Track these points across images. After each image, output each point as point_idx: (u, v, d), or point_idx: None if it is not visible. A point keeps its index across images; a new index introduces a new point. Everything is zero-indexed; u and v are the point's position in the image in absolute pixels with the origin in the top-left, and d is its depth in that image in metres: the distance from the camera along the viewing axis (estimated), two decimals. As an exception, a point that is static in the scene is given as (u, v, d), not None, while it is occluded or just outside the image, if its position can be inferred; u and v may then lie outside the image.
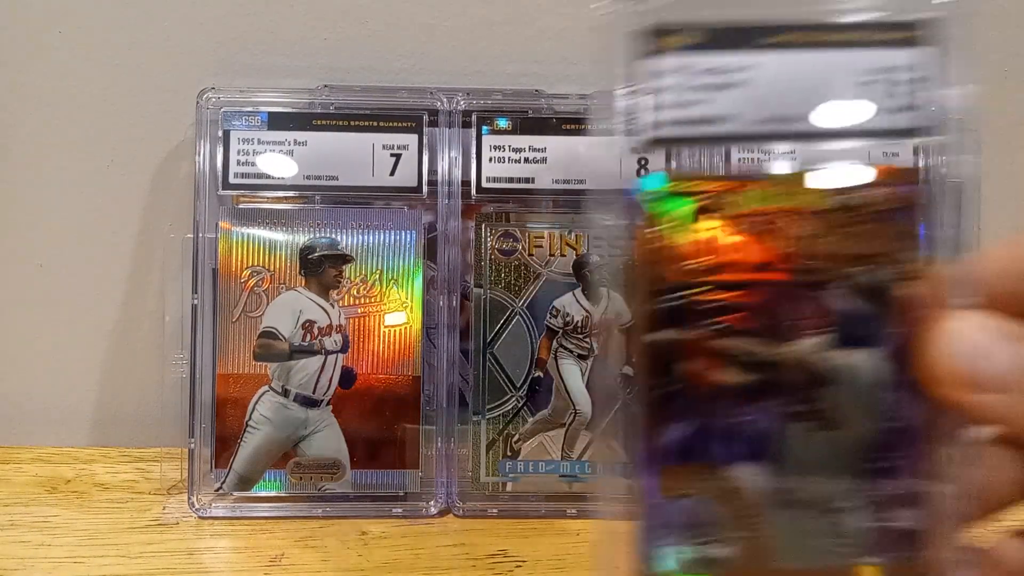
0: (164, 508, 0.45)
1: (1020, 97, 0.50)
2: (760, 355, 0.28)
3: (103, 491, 0.46)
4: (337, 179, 0.46)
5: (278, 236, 0.45)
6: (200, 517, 0.44)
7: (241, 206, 0.46)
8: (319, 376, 0.45)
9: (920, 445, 0.28)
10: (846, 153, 0.29)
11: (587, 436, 0.45)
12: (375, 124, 0.46)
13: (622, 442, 0.28)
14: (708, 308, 0.28)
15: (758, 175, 0.29)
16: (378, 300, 0.45)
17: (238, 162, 0.45)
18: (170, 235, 0.48)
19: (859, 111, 0.28)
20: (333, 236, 0.45)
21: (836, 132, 0.28)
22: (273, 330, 0.45)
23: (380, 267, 0.45)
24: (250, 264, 0.45)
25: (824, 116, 0.28)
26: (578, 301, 0.45)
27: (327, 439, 0.45)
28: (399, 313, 0.45)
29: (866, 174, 0.28)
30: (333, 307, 0.45)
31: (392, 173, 0.45)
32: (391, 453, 0.45)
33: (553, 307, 0.45)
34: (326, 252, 0.45)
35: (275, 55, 0.49)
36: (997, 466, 0.30)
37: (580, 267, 0.45)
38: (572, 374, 0.45)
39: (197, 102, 0.45)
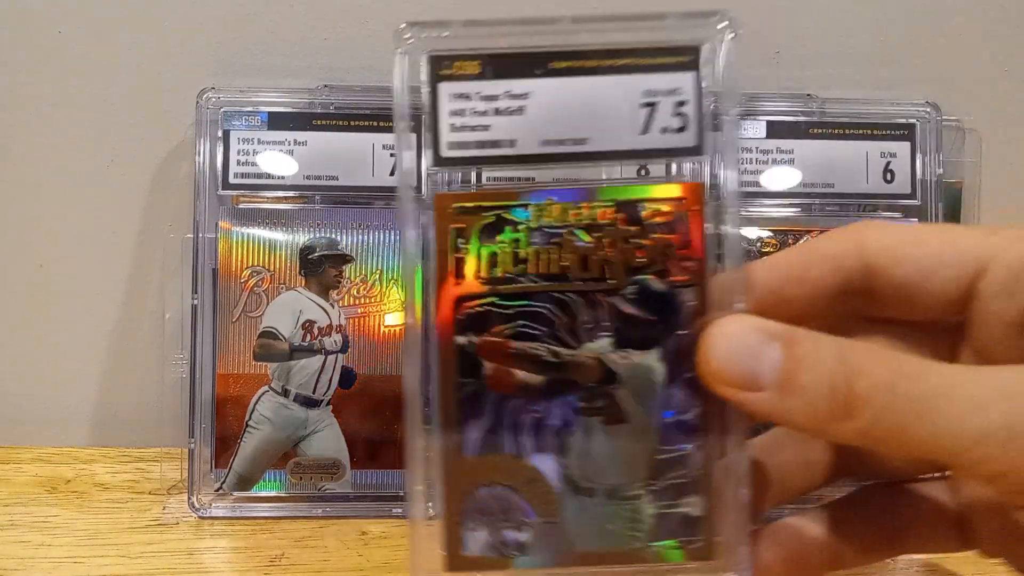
0: (164, 508, 0.45)
1: (1020, 97, 0.50)
2: (553, 356, 0.31)
3: (103, 491, 0.46)
4: (337, 179, 0.46)
5: (278, 236, 0.45)
6: (200, 517, 0.44)
7: (241, 206, 0.46)
8: (319, 376, 0.45)
9: (702, 437, 0.30)
10: (631, 169, 0.32)
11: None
12: (375, 124, 0.46)
13: (432, 436, 0.30)
14: (507, 314, 0.31)
15: (551, 190, 0.31)
16: (378, 300, 0.45)
17: (238, 162, 0.45)
18: (170, 235, 0.48)
19: (634, 133, 0.31)
20: (333, 236, 0.45)
21: (613, 154, 0.31)
22: (273, 330, 0.45)
23: (380, 267, 0.45)
24: (250, 264, 0.45)
25: (600, 138, 0.31)
26: (578, 301, 0.45)
27: (327, 439, 0.45)
28: (399, 313, 0.45)
29: (649, 189, 0.31)
30: (333, 307, 0.45)
31: (392, 173, 0.45)
32: (391, 453, 0.45)
33: (553, 307, 0.45)
34: (326, 252, 0.45)
35: (275, 55, 0.49)
36: (782, 453, 0.32)
37: (580, 267, 0.45)
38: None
39: (197, 102, 0.45)
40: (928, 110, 0.47)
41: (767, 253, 0.46)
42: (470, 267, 0.31)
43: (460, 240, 0.31)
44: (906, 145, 0.47)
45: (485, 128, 0.31)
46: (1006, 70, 0.50)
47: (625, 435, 0.31)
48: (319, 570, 0.40)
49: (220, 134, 0.45)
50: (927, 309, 0.30)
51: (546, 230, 0.31)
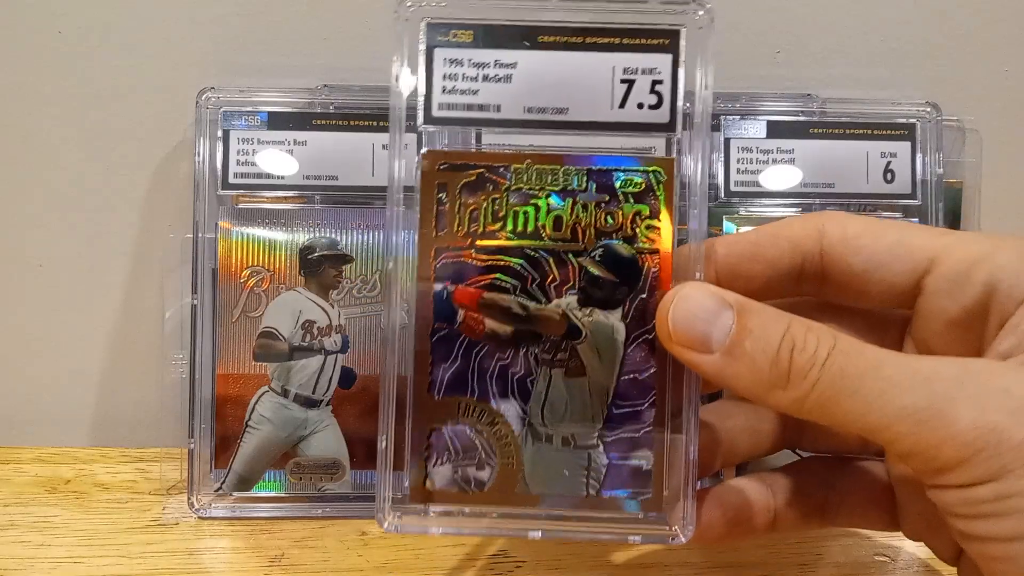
0: (164, 508, 0.45)
1: (1020, 97, 0.50)
2: (522, 309, 0.33)
3: (103, 491, 0.46)
4: (337, 179, 0.46)
5: (278, 236, 0.45)
6: (200, 517, 0.44)
7: (241, 206, 0.46)
8: (319, 376, 0.45)
9: (655, 395, 0.32)
10: (607, 141, 0.34)
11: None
12: (375, 124, 0.46)
13: (406, 376, 0.33)
14: (482, 266, 0.33)
15: (530, 154, 0.33)
16: (378, 300, 0.45)
17: (238, 162, 0.45)
18: (170, 235, 0.48)
19: (612, 106, 0.33)
20: (333, 236, 0.45)
21: (590, 124, 0.33)
22: (273, 330, 0.45)
23: (380, 267, 0.45)
24: (250, 264, 0.45)
25: (580, 109, 0.33)
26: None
27: (327, 439, 0.45)
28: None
29: (621, 160, 0.33)
30: (333, 307, 0.45)
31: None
32: (391, 453, 0.45)
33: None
34: (326, 252, 0.45)
35: (275, 55, 0.49)
36: (733, 419, 0.35)
37: (580, 267, 0.45)
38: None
39: (196, 102, 0.45)
40: (928, 110, 0.47)
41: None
42: (451, 220, 0.33)
43: (443, 195, 0.33)
44: (906, 145, 0.47)
45: (474, 92, 0.33)
46: (1006, 70, 0.50)
47: (584, 387, 0.33)
48: (319, 570, 0.40)
49: (220, 134, 0.45)
50: (877, 298, 0.31)
51: (524, 191, 0.33)
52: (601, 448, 0.33)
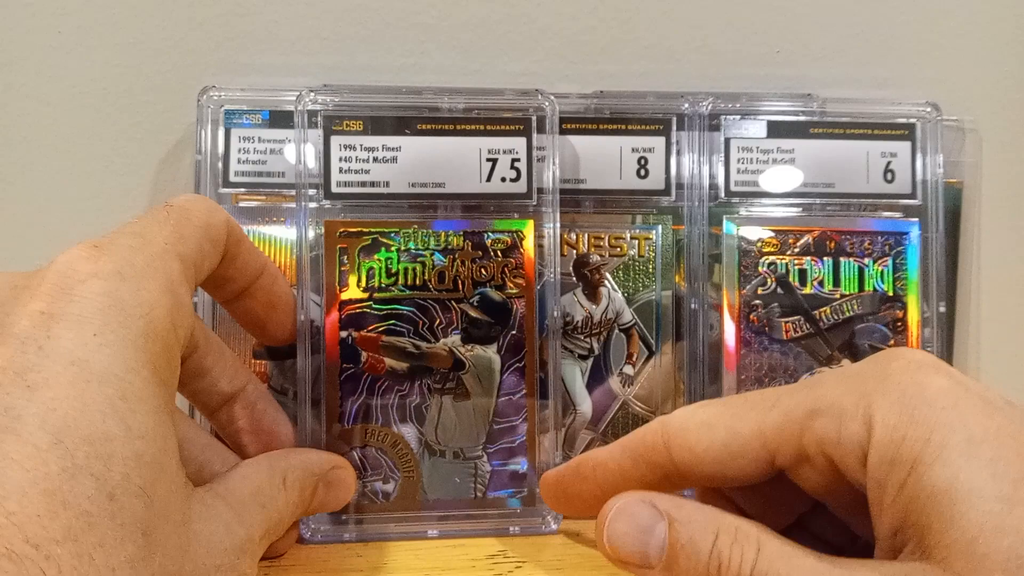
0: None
1: (1020, 97, 0.50)
2: (415, 348, 0.41)
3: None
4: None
5: (278, 234, 0.45)
6: (199, 517, 0.44)
7: (241, 204, 0.46)
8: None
9: (527, 412, 0.41)
10: (474, 208, 0.42)
11: (587, 436, 0.45)
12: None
13: (318, 411, 0.40)
14: (380, 315, 0.41)
15: (416, 220, 0.41)
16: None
17: (239, 160, 0.45)
18: (170, 234, 0.48)
19: (481, 180, 0.42)
20: (333, 235, 0.45)
21: (463, 196, 0.42)
22: (273, 329, 0.44)
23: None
24: (250, 263, 0.45)
25: (455, 183, 0.41)
26: (578, 301, 0.45)
27: (327, 439, 0.45)
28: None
29: (490, 223, 0.42)
30: (333, 306, 0.45)
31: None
32: (391, 453, 0.45)
33: (553, 307, 0.45)
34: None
35: (275, 54, 0.49)
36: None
37: (580, 267, 0.45)
38: (572, 374, 0.45)
39: (198, 100, 0.45)
40: (928, 110, 0.47)
41: (768, 253, 0.46)
42: (352, 278, 0.41)
43: (344, 257, 0.41)
44: (906, 145, 0.47)
45: (366, 172, 0.41)
46: (1006, 70, 0.50)
47: (469, 409, 0.41)
48: (319, 570, 0.39)
49: (221, 132, 0.45)
50: (738, 483, 0.31)
51: (412, 251, 0.41)
52: (485, 458, 0.41)
